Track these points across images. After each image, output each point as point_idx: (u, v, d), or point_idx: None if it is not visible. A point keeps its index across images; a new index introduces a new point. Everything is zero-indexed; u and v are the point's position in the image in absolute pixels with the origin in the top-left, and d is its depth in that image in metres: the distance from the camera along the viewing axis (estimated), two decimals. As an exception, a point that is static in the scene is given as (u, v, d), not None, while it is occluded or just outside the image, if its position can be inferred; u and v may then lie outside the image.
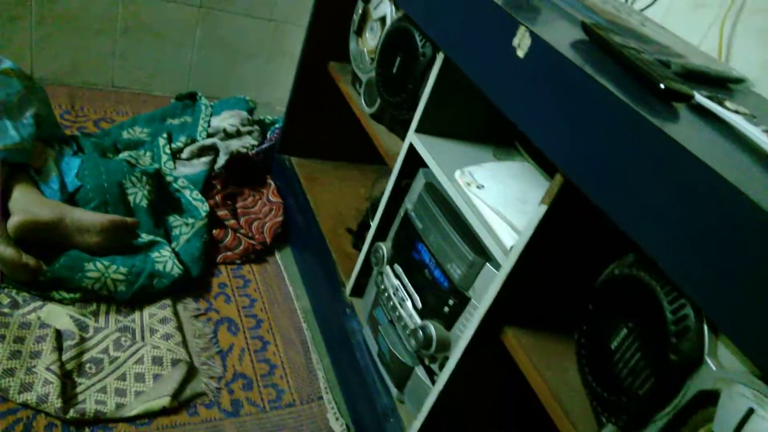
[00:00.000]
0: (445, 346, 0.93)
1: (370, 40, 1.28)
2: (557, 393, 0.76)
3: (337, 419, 1.14)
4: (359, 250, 1.25)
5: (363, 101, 1.29)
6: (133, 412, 1.01)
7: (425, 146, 1.02)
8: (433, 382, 0.97)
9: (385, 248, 1.11)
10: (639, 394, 0.61)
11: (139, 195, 1.30)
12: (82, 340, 1.09)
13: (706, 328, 0.57)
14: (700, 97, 0.64)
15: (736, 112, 0.62)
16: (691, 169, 0.53)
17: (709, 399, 0.56)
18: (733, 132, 0.62)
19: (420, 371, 1.02)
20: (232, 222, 1.43)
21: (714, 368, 0.56)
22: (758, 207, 0.48)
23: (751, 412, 0.51)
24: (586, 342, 0.71)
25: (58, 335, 1.07)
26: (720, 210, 0.51)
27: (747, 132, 0.60)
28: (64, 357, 1.04)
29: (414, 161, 1.06)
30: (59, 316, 1.11)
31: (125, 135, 1.57)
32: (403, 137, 1.08)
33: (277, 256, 1.49)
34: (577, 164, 0.66)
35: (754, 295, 0.48)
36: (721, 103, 0.63)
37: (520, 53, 0.73)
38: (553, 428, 0.76)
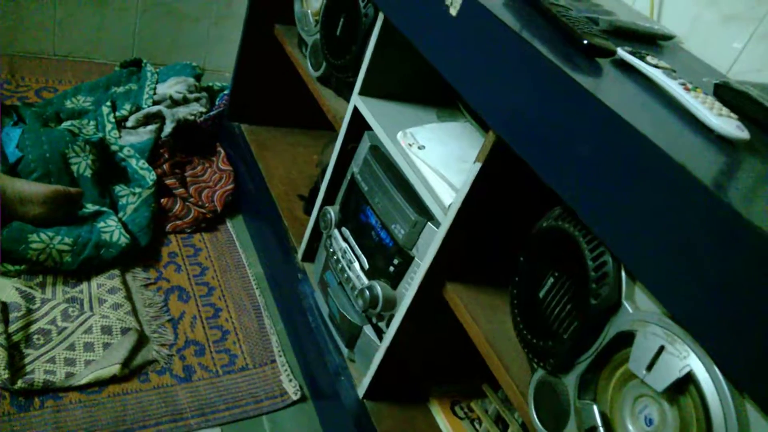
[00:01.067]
0: (391, 304, 0.96)
1: (315, 1, 1.26)
2: (494, 343, 0.79)
3: (290, 380, 1.16)
4: (311, 215, 1.26)
5: (309, 65, 1.28)
6: (83, 381, 1.01)
7: (369, 109, 1.02)
8: (381, 339, 1.00)
9: (333, 212, 1.12)
10: (564, 338, 0.64)
11: (82, 164, 1.27)
12: (29, 311, 1.08)
13: (624, 274, 0.60)
14: (622, 52, 0.66)
15: (656, 66, 0.64)
16: (607, 122, 0.55)
17: (627, 340, 0.59)
18: (653, 86, 0.65)
19: (368, 330, 1.04)
20: (181, 191, 1.42)
21: (631, 311, 0.59)
22: (668, 157, 0.50)
23: (662, 349, 0.55)
24: (518, 293, 0.73)
25: (4, 307, 1.06)
26: (634, 160, 0.53)
27: (665, 85, 0.62)
28: (11, 329, 1.03)
29: (360, 125, 1.06)
30: (4, 288, 1.10)
31: (68, 104, 1.53)
32: (350, 100, 1.08)
33: (229, 224, 1.49)
34: (506, 120, 0.68)
35: (663, 242, 0.51)
36: (642, 58, 0.65)
37: (453, 11, 0.74)
38: (491, 376, 0.80)
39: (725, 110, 0.60)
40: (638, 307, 0.59)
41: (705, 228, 0.48)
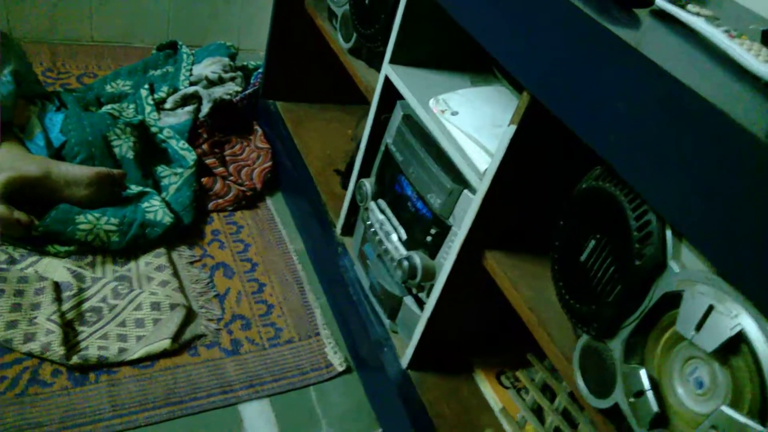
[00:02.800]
0: (430, 274, 0.95)
1: (343, -28, 1.24)
2: (536, 310, 0.78)
3: (335, 353, 1.17)
4: (347, 190, 1.26)
5: (340, 36, 1.27)
6: (135, 356, 1.05)
7: (401, 77, 1.01)
8: (422, 309, 1.00)
9: (368, 184, 1.12)
10: (608, 302, 0.63)
11: (124, 146, 1.30)
12: (80, 290, 1.11)
13: (669, 233, 0.58)
14: (660, 2, 0.63)
15: (698, 14, 0.61)
16: (647, 74, 0.53)
17: (674, 301, 0.57)
18: (694, 35, 0.61)
19: (409, 301, 1.04)
20: (221, 170, 1.44)
21: (677, 270, 0.57)
22: (712, 106, 0.48)
23: (711, 309, 0.53)
24: (558, 257, 0.72)
25: (57, 287, 1.10)
26: (676, 113, 0.51)
27: (707, 33, 0.59)
28: (64, 307, 1.07)
29: (392, 94, 1.05)
30: (56, 268, 1.14)
31: (108, 89, 1.56)
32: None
33: (269, 201, 1.51)
34: (541, 79, 0.65)
35: (709, 196, 0.49)
36: (682, 7, 0.62)
37: (483, -30, 0.72)
38: (537, 346, 0.79)
39: (775, 56, 0.56)
40: (685, 266, 0.57)
41: (754, 179, 0.46)
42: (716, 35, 0.58)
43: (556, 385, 1.04)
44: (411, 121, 0.99)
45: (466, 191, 0.86)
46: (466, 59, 1.09)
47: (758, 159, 0.45)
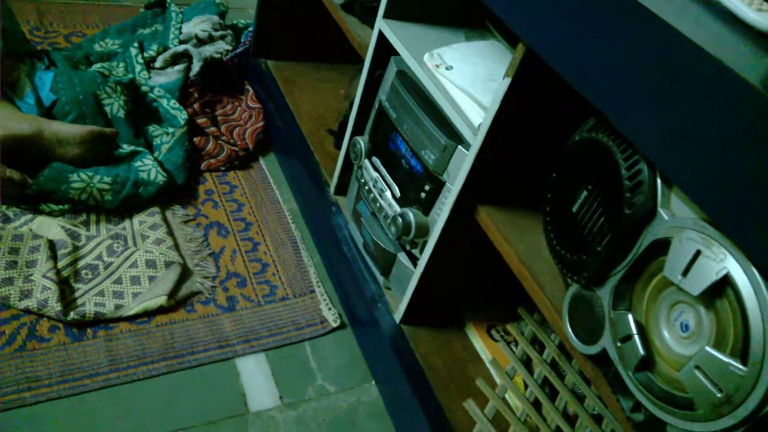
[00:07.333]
0: (423, 230, 0.96)
1: (336, -74, 1.22)
2: (527, 262, 0.79)
3: (329, 309, 1.19)
4: (341, 149, 1.26)
5: (332, -8, 1.25)
6: (132, 312, 1.06)
7: (395, 32, 1.00)
8: (415, 265, 1.01)
9: (362, 142, 1.12)
10: (598, 251, 0.64)
11: (115, 105, 1.29)
12: (75, 248, 1.12)
13: (659, 181, 0.59)
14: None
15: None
16: (641, 21, 0.53)
17: (662, 248, 0.59)
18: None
19: (402, 257, 1.05)
20: (213, 129, 1.43)
21: (667, 218, 0.59)
22: (705, 53, 0.48)
23: (698, 253, 0.54)
24: (550, 209, 0.73)
25: (51, 245, 1.10)
26: (670, 60, 0.51)
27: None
28: (59, 265, 1.08)
29: (386, 50, 1.05)
30: (50, 227, 1.14)
31: (97, 48, 1.54)
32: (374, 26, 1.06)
33: (261, 161, 1.51)
34: (536, 30, 0.66)
35: (701, 143, 0.50)
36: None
37: None
38: (526, 300, 0.80)
39: (766, 5, 0.57)
40: (674, 214, 0.58)
41: (745, 126, 0.47)
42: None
43: (544, 338, 1.06)
44: (405, 77, 0.99)
45: (460, 147, 0.86)
46: (460, 14, 1.08)
47: (750, 106, 0.46)
